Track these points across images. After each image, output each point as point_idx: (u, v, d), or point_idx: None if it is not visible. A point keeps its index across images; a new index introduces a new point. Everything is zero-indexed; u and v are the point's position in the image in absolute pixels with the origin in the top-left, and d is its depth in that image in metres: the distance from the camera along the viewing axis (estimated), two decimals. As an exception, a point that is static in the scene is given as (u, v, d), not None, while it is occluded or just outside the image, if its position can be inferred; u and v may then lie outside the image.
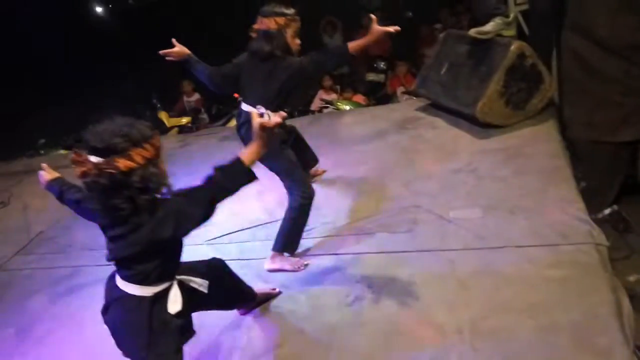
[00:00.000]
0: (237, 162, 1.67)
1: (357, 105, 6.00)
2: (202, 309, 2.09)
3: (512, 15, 3.92)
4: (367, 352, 2.16)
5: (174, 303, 1.72)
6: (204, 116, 7.35)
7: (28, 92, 7.65)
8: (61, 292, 3.06)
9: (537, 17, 3.94)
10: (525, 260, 2.40)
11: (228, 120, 6.91)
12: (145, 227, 1.57)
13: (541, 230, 2.56)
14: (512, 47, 3.53)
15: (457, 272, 2.44)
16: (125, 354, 1.77)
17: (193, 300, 1.86)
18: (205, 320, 2.26)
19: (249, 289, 2.41)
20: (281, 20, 2.62)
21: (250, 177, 1.70)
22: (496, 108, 3.58)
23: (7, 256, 3.64)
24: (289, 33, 2.67)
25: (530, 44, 3.62)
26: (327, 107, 6.02)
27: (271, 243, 2.83)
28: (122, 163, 1.45)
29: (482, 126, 3.66)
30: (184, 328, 1.80)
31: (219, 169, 1.67)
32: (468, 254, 2.54)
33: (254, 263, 2.86)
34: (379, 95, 6.60)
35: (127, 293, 1.68)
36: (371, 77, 7.13)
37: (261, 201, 3.54)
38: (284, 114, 1.87)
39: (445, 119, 4.07)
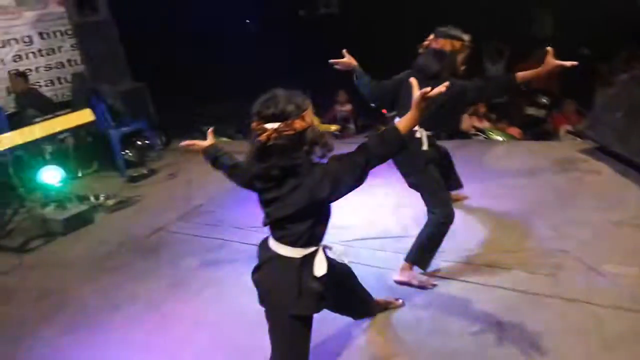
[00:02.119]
0: (393, 129, 1.73)
1: (511, 137, 5.73)
2: (328, 304, 2.06)
3: None
4: (485, 386, 2.09)
5: (320, 266, 1.80)
6: (351, 126, 7.65)
7: (201, 85, 8.70)
8: (209, 259, 3.44)
9: None
10: (690, 336, 2.11)
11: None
12: (303, 187, 1.69)
13: None
14: None
15: (603, 331, 2.23)
16: (269, 310, 1.88)
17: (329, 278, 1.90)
18: (328, 314, 2.35)
19: (371, 305, 2.43)
20: (457, 44, 2.68)
21: (403, 145, 1.75)
22: (679, 162, 3.19)
23: (170, 220, 4.19)
24: (460, 58, 2.71)
25: None
26: (477, 135, 5.85)
27: (400, 256, 2.87)
28: (299, 124, 1.65)
29: (658, 180, 3.29)
30: (322, 295, 1.84)
31: (374, 136, 1.75)
32: (618, 314, 2.31)
33: (382, 272, 2.92)
34: (537, 131, 6.22)
35: (278, 254, 1.81)
36: (531, 111, 6.75)
37: (397, 215, 3.60)
38: (447, 84, 1.76)
39: (612, 166, 3.73)
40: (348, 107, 7.74)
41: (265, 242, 1.88)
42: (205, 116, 8.60)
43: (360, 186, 1.74)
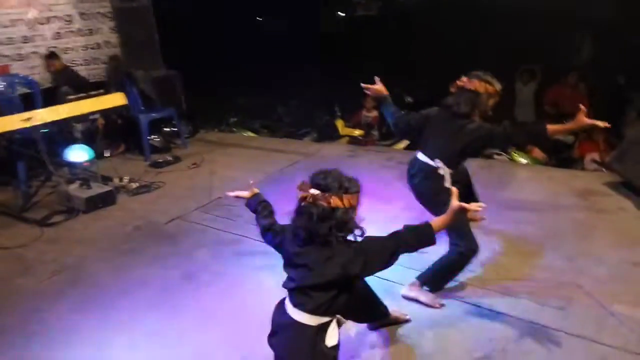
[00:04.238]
0: (427, 226, 1.91)
1: (535, 160, 5.67)
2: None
3: None
4: (482, 413, 2.09)
5: (332, 337, 1.89)
6: (375, 132, 7.66)
7: (231, 79, 8.81)
8: (224, 253, 3.50)
9: None
10: (696, 388, 2.07)
11: (395, 143, 7.11)
12: (335, 261, 1.80)
13: None
14: None
15: (607, 371, 2.21)
16: None
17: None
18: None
19: (383, 308, 2.51)
20: (491, 89, 2.71)
21: (433, 242, 1.92)
22: None
23: (189, 209, 4.27)
24: (490, 102, 2.75)
25: None
26: (500, 155, 5.80)
27: (412, 272, 2.88)
28: (333, 200, 1.78)
29: (682, 223, 3.22)
30: (335, 358, 1.93)
31: (409, 228, 1.92)
32: (624, 357, 2.28)
33: (390, 285, 2.92)
34: (562, 157, 6.14)
35: (295, 320, 1.87)
36: (557, 135, 6.65)
37: (413, 229, 3.59)
38: (484, 206, 1.94)
39: (636, 204, 3.66)
40: (374, 113, 7.74)
41: (281, 305, 1.95)
42: (233, 109, 8.74)
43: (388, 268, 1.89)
